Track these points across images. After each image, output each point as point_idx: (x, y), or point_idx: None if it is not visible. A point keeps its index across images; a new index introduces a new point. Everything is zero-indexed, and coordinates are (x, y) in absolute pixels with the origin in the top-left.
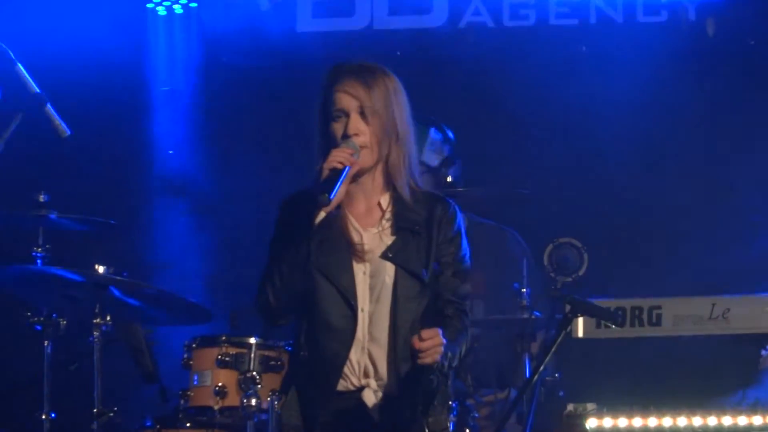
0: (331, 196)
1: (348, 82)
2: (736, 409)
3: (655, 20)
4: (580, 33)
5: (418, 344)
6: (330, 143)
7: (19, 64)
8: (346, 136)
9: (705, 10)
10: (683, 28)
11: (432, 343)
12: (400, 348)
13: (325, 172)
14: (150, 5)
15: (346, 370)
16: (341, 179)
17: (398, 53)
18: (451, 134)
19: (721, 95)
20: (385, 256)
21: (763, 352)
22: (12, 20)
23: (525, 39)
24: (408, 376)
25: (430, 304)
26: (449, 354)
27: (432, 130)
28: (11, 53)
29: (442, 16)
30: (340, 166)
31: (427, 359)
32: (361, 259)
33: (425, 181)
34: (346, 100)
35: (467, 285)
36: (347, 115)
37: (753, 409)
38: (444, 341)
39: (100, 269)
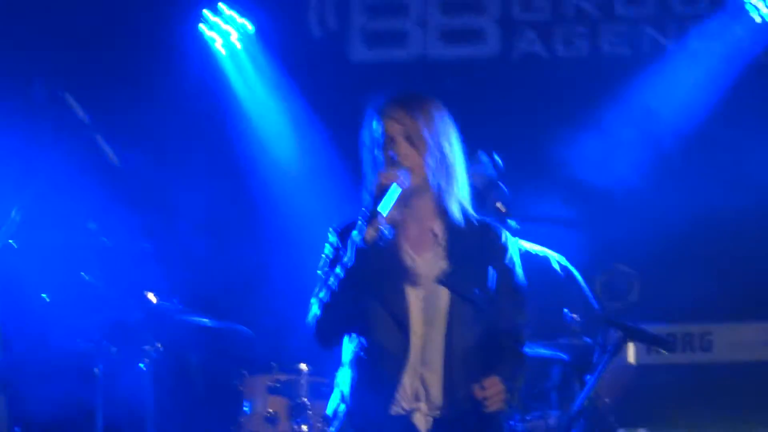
0: (381, 210)
1: (393, 109)
2: None
3: (707, 45)
4: (633, 62)
5: (480, 393)
6: (378, 170)
7: (68, 94)
8: (393, 160)
9: (759, 37)
10: (733, 49)
11: (494, 391)
12: (455, 373)
13: (376, 191)
14: (209, 39)
15: (397, 394)
16: (391, 196)
17: (451, 83)
18: (499, 161)
19: None
20: (439, 281)
21: None
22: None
23: (578, 68)
24: (464, 407)
25: (485, 333)
26: (508, 396)
27: (480, 153)
28: (60, 83)
29: (495, 46)
30: (388, 183)
31: (492, 408)
32: (415, 283)
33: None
34: (392, 127)
35: (524, 315)
36: (393, 141)
37: None
38: (505, 387)
39: (151, 296)
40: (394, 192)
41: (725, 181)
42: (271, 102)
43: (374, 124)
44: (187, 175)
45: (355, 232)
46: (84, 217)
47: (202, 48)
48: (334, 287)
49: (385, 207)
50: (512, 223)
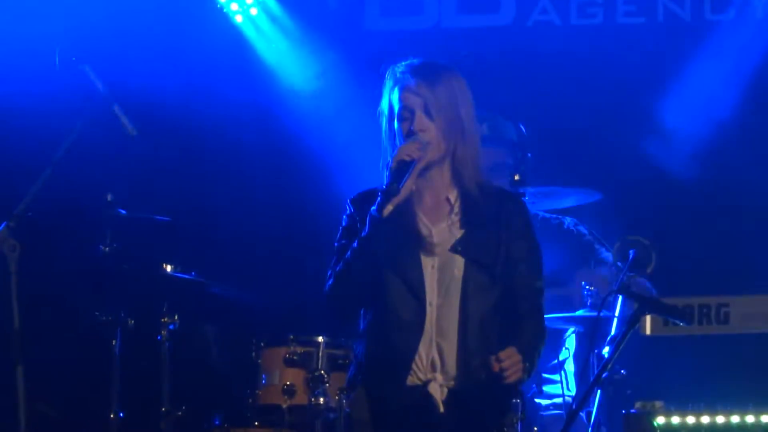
0: (400, 186)
1: (411, 80)
2: None
3: (722, 18)
4: (648, 31)
5: (497, 366)
6: (396, 141)
7: (87, 65)
8: (411, 133)
9: None
10: (751, 26)
11: (511, 362)
12: (470, 341)
13: (394, 165)
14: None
15: (413, 364)
16: (409, 171)
17: (466, 52)
18: (523, 129)
19: None
20: (454, 249)
21: None
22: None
23: (592, 37)
24: (479, 377)
25: (502, 302)
26: (527, 365)
27: (509, 124)
28: (79, 53)
29: (510, 15)
30: (407, 158)
31: (510, 379)
32: (430, 252)
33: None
34: (410, 98)
35: (541, 280)
36: (412, 113)
37: None
38: (521, 357)
39: (168, 268)
40: (412, 166)
41: (742, 152)
42: (292, 66)
43: (392, 95)
44: (204, 147)
45: (373, 208)
46: (102, 189)
47: (222, 16)
48: (349, 259)
49: (403, 181)
50: (528, 190)
